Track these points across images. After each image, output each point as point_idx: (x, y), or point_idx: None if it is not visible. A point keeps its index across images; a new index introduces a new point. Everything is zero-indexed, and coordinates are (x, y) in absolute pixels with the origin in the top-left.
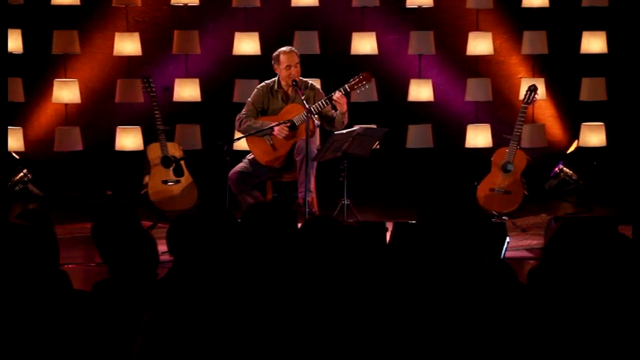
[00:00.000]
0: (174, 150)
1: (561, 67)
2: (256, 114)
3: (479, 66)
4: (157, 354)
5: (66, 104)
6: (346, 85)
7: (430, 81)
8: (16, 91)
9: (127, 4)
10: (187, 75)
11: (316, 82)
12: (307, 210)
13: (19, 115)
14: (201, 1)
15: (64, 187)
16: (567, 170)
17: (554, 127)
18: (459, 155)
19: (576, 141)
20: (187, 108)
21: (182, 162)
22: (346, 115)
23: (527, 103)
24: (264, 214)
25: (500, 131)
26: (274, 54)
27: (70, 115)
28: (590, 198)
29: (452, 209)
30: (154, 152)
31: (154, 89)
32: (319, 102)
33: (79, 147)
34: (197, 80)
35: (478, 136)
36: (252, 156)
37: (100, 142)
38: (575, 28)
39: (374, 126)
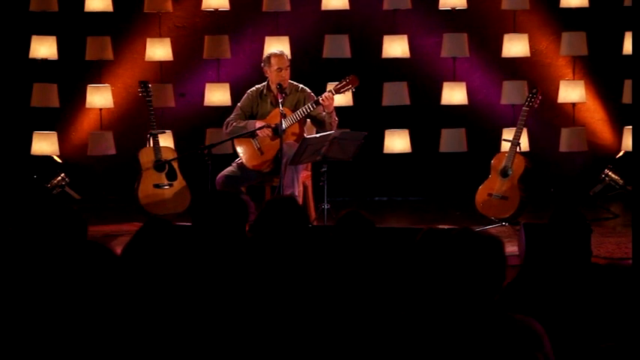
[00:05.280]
0: (167, 154)
1: (604, 69)
2: (244, 118)
3: (519, 68)
4: None
5: (100, 109)
6: (332, 89)
7: (464, 84)
8: (52, 96)
9: (159, 11)
10: (219, 79)
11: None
12: None
13: (54, 120)
14: (233, 6)
15: (99, 191)
16: (613, 175)
17: (604, 131)
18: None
19: None
20: (217, 112)
21: (175, 166)
22: (333, 115)
23: (527, 106)
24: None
25: (539, 133)
26: (264, 56)
27: (105, 120)
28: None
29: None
30: (147, 156)
31: (150, 94)
32: (305, 106)
33: (112, 151)
34: (227, 85)
35: None
36: (241, 160)
37: (133, 147)
38: (617, 29)
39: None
